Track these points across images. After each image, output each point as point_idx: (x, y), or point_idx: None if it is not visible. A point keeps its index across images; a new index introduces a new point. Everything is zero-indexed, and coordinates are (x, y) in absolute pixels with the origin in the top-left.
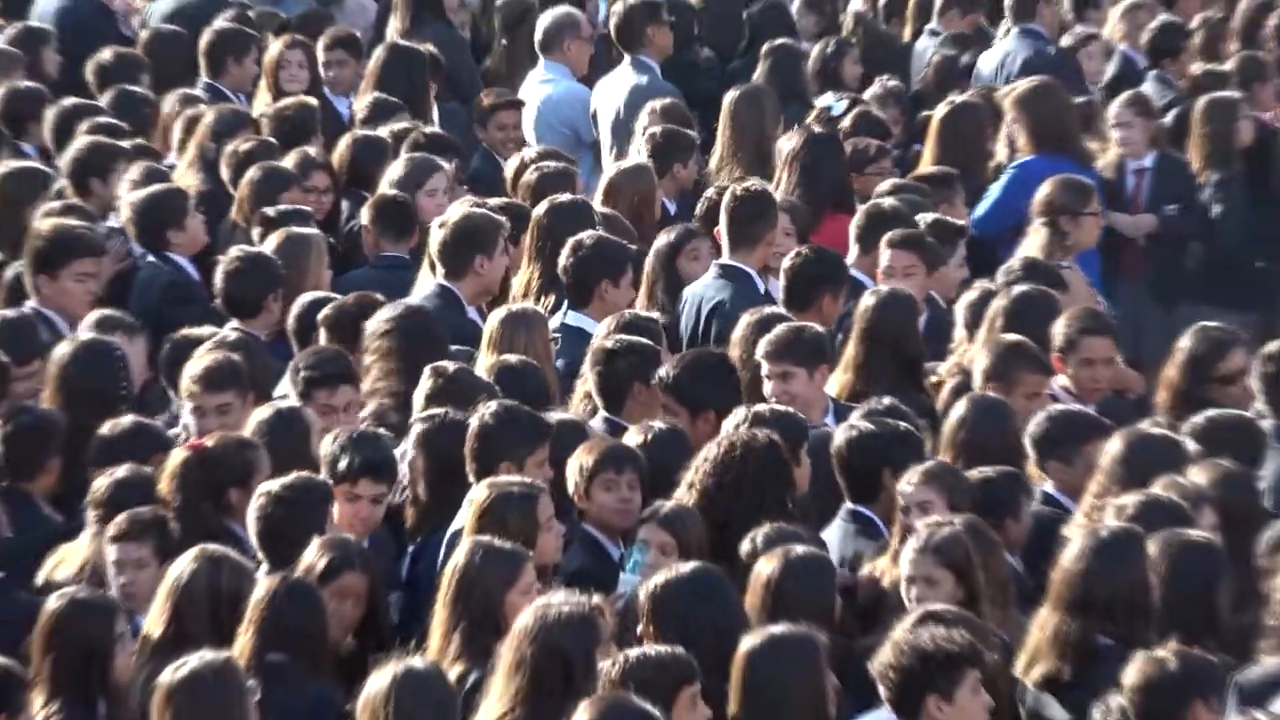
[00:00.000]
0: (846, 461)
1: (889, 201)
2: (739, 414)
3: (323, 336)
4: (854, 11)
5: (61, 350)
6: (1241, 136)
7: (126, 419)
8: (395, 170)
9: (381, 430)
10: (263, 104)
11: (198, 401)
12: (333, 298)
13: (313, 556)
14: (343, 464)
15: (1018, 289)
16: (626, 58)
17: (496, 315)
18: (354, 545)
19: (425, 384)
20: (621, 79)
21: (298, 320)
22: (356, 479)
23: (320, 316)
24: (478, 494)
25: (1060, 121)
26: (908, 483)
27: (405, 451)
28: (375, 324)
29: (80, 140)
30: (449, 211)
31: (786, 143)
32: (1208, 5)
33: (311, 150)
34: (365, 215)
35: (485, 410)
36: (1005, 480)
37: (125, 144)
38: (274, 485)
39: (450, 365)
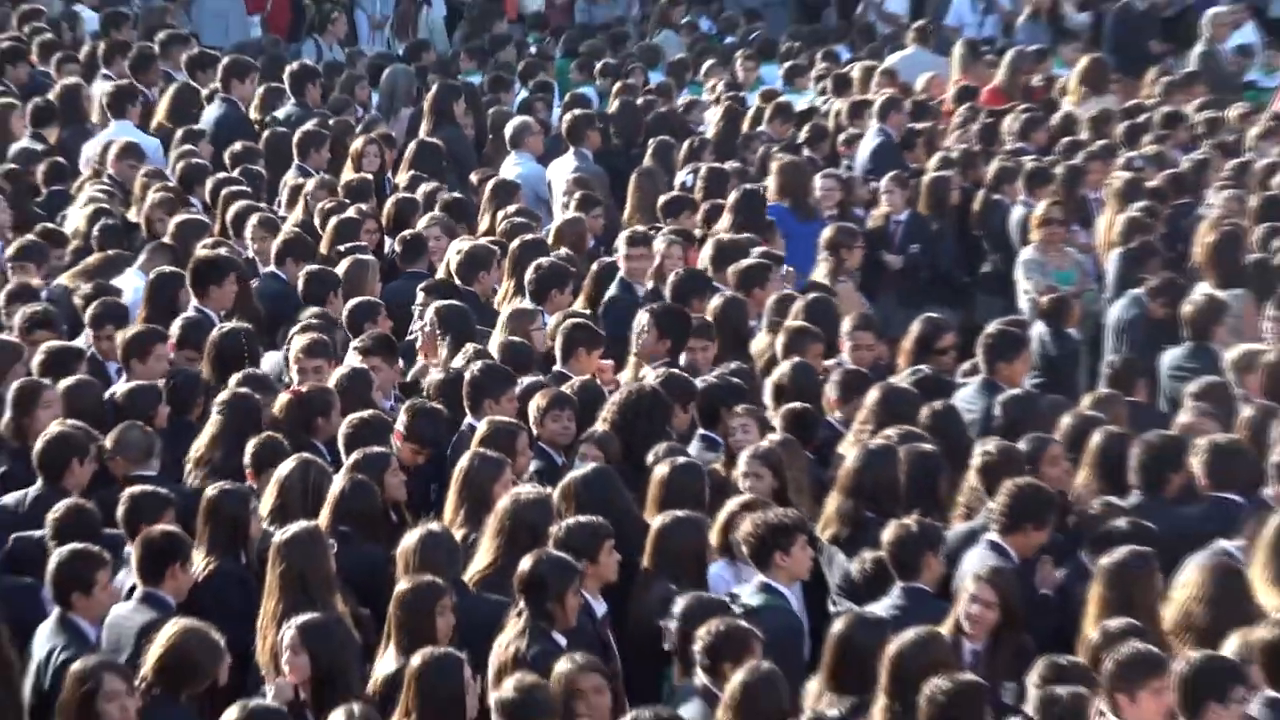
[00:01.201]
0: (699, 401)
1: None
2: (645, 372)
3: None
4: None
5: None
6: (951, 199)
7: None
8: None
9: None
10: (345, 177)
11: (300, 365)
12: (379, 302)
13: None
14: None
15: (811, 296)
16: (571, 148)
17: (505, 311)
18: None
19: (461, 356)
20: (566, 162)
21: (350, 314)
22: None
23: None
24: (481, 426)
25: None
26: (735, 415)
27: None
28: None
29: (230, 204)
30: (461, 243)
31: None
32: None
33: (365, 206)
34: (396, 246)
35: (474, 367)
36: (806, 413)
37: (254, 203)
38: (353, 417)
39: (474, 346)
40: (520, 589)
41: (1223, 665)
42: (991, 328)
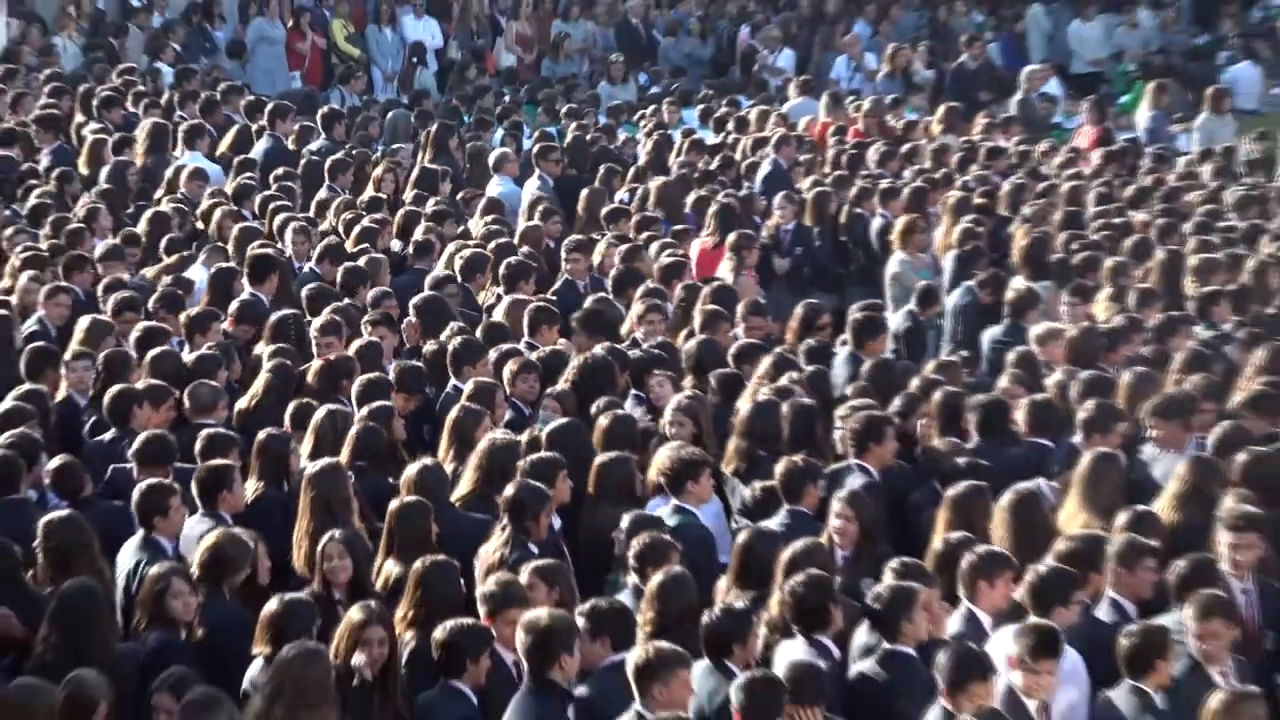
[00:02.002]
0: (631, 369)
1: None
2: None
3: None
4: None
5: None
6: (828, 212)
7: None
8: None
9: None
10: (365, 195)
11: (318, 340)
12: (389, 290)
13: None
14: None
15: (715, 285)
16: (537, 170)
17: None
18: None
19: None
20: (533, 184)
21: (370, 299)
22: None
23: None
24: (468, 386)
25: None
26: (654, 377)
27: None
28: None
29: (275, 216)
30: (464, 249)
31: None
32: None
33: (379, 216)
34: (409, 248)
35: (453, 341)
36: (727, 377)
37: (293, 214)
38: (363, 379)
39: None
40: (505, 509)
41: (1065, 574)
42: (857, 311)
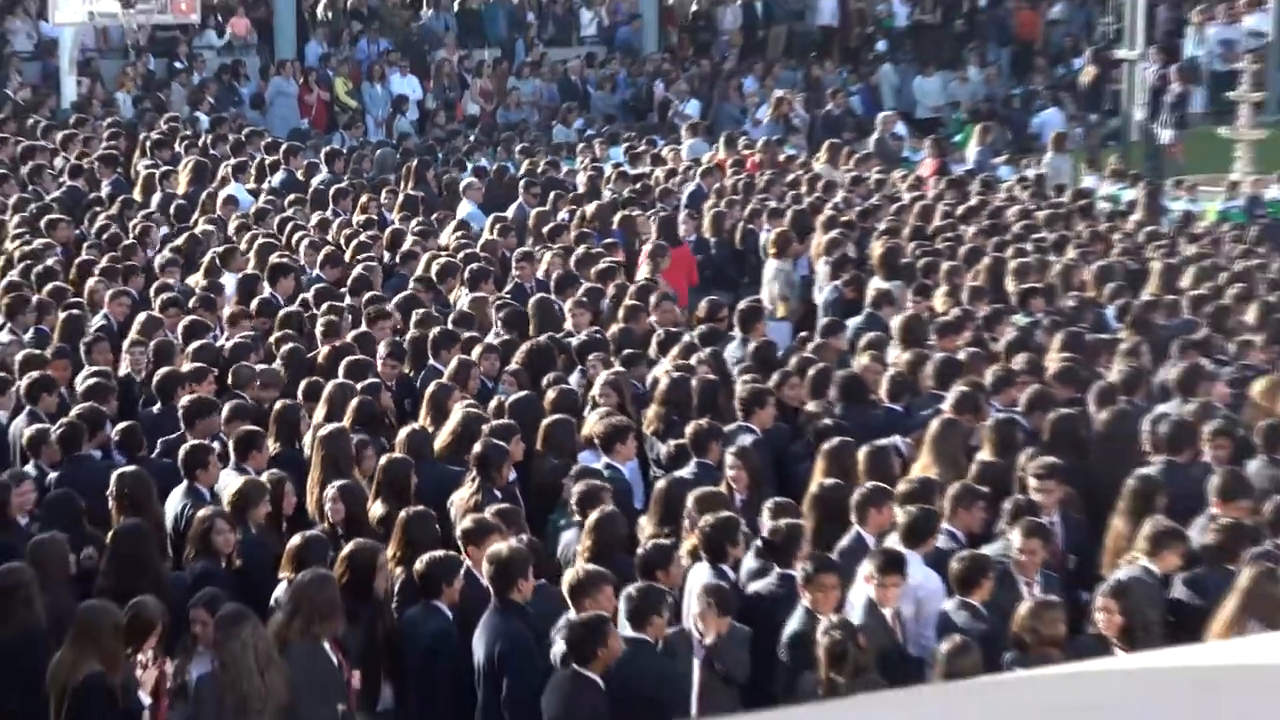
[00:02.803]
0: (568, 353)
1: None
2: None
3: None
4: None
5: (282, 313)
6: (728, 226)
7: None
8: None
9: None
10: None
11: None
12: (383, 295)
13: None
14: None
15: (638, 285)
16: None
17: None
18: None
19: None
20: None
21: (366, 300)
22: None
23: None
24: (451, 365)
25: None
26: (590, 359)
27: None
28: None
29: (292, 233)
30: (438, 258)
31: None
32: None
33: (372, 232)
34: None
35: (433, 333)
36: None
37: (305, 231)
38: (349, 360)
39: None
40: (475, 463)
41: (928, 514)
42: (742, 305)
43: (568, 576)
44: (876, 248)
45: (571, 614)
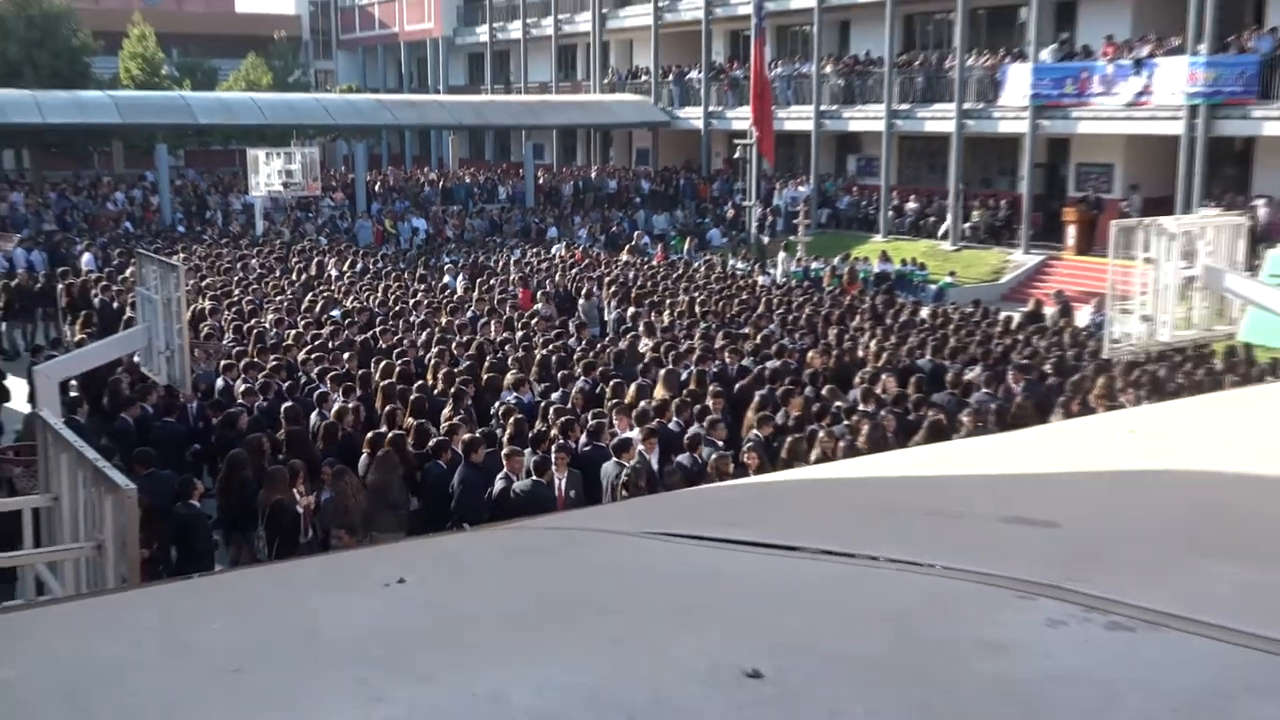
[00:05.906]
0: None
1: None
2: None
3: None
4: None
5: None
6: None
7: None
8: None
9: None
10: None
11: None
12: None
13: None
14: None
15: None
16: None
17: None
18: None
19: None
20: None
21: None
22: None
23: None
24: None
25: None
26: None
27: None
28: None
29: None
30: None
31: None
32: None
33: (400, 290)
34: None
35: (434, 336)
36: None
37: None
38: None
39: None
40: (452, 396)
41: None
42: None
43: (505, 451)
44: (634, 290)
45: (505, 470)
